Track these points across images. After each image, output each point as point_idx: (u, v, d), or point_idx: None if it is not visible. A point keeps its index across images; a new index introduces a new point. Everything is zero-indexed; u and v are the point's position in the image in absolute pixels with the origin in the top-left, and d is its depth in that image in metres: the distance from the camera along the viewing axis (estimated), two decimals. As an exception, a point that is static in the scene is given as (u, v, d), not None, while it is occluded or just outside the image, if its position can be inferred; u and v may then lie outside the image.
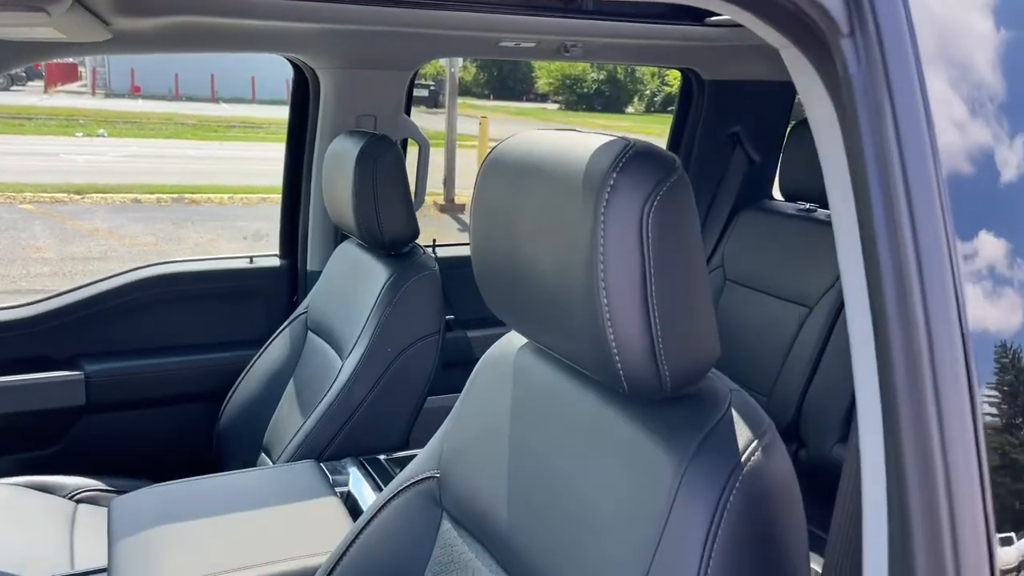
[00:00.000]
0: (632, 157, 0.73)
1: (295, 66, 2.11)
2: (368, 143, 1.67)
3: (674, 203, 0.73)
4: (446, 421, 1.08)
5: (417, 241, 1.76)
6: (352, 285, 1.77)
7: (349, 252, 1.87)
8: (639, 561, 0.74)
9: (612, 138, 0.77)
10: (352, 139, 1.71)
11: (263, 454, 1.83)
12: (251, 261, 2.20)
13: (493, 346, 1.04)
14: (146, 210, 9.29)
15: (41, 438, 1.95)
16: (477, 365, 1.06)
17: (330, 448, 1.58)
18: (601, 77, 27.78)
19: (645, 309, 0.73)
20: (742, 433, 0.75)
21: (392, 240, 1.68)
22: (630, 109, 29.21)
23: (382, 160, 1.65)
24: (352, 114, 2.05)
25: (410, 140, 2.21)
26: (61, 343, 1.98)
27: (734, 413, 0.77)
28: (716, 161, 2.50)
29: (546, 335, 0.86)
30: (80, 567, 1.46)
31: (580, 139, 0.80)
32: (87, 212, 8.97)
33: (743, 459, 0.73)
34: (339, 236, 2.09)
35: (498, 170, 0.87)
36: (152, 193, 9.92)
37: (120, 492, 1.81)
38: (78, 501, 1.79)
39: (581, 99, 28.27)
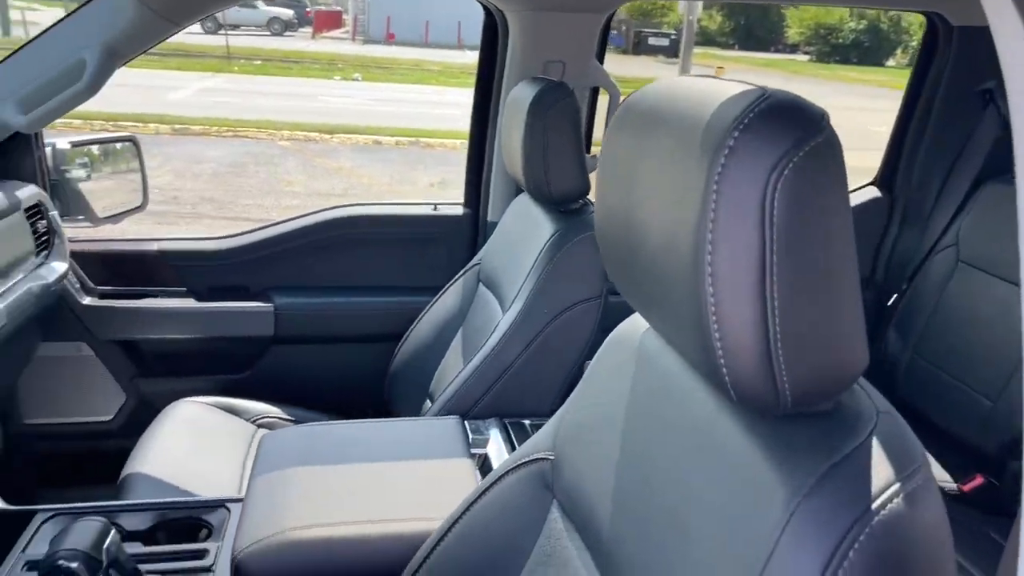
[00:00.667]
0: (763, 112, 0.58)
1: (485, 9, 2.05)
2: (543, 89, 1.57)
3: (814, 172, 0.57)
4: (568, 399, 0.98)
5: (590, 197, 1.66)
6: (520, 239, 1.70)
7: (522, 204, 1.80)
8: None
9: (747, 88, 0.62)
10: (531, 86, 1.63)
11: (428, 401, 1.84)
12: (435, 209, 2.20)
13: (623, 323, 0.93)
14: (385, 151, 9.83)
15: (234, 363, 2.08)
16: (605, 341, 0.95)
17: (478, 406, 1.54)
18: (860, 27, 25.51)
19: (761, 306, 0.58)
20: (882, 470, 0.59)
21: (559, 195, 1.59)
22: (891, 62, 26.64)
23: (555, 108, 1.55)
24: (539, 60, 1.96)
25: (602, 90, 2.08)
26: (256, 275, 2.09)
27: (875, 442, 0.61)
28: (960, 123, 2.14)
29: (656, 319, 0.74)
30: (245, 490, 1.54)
31: (713, 87, 0.65)
32: (334, 151, 9.65)
33: (876, 504, 0.57)
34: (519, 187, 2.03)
35: (625, 122, 0.74)
36: (392, 136, 10.47)
37: (297, 422, 1.90)
38: (259, 426, 1.90)
39: (835, 50, 26.18)
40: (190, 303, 2.06)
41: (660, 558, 0.71)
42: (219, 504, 1.35)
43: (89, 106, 1.81)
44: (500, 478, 1.01)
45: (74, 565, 1.09)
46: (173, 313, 2.04)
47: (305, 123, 10.70)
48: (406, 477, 1.29)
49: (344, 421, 1.49)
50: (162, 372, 2.08)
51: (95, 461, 1.92)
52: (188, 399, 1.87)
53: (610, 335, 0.94)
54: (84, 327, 2.00)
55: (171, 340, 2.05)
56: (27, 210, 1.80)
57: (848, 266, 0.61)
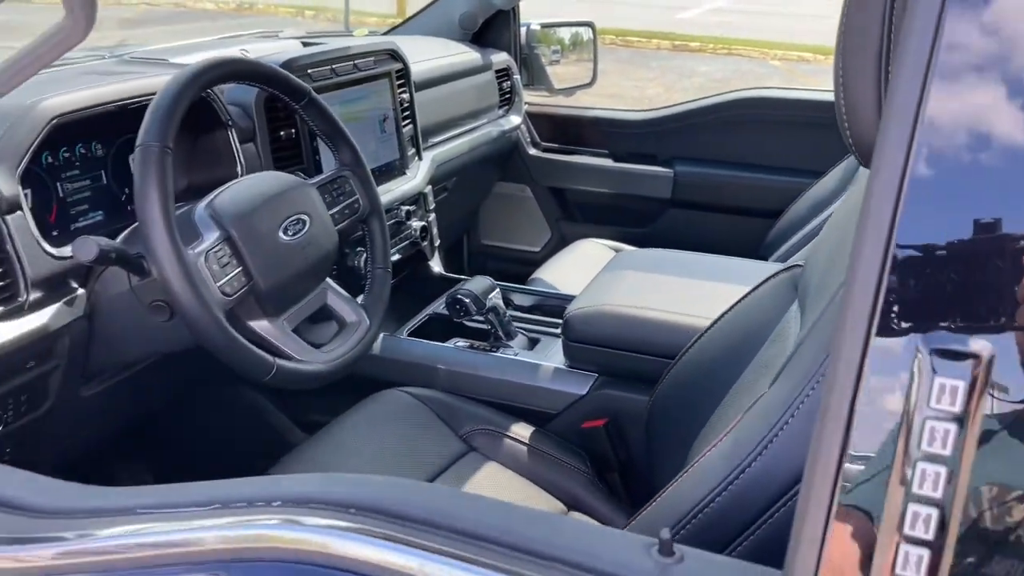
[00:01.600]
0: None
1: None
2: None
3: None
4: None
5: None
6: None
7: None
8: None
9: None
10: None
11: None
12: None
13: None
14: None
15: (636, 218, 2.43)
16: None
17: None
18: None
19: None
20: None
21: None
22: None
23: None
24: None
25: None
26: (664, 145, 2.39)
27: None
28: None
29: None
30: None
31: None
32: (824, 72, 9.37)
33: None
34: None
35: None
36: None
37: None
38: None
39: None
40: (609, 163, 2.45)
41: None
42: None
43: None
44: (763, 282, 1.19)
45: (467, 300, 1.55)
46: (596, 169, 2.46)
47: (800, 44, 10.49)
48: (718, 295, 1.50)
49: (695, 253, 1.73)
50: (580, 218, 2.53)
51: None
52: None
53: None
54: (529, 173, 2.52)
55: (591, 192, 2.48)
56: (497, 72, 2.33)
57: None
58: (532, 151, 2.51)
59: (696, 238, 2.30)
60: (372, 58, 1.71)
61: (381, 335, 1.60)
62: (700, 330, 1.25)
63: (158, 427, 1.73)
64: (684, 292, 1.50)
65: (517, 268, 2.62)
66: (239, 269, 1.09)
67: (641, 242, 2.34)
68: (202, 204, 1.13)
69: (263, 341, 1.13)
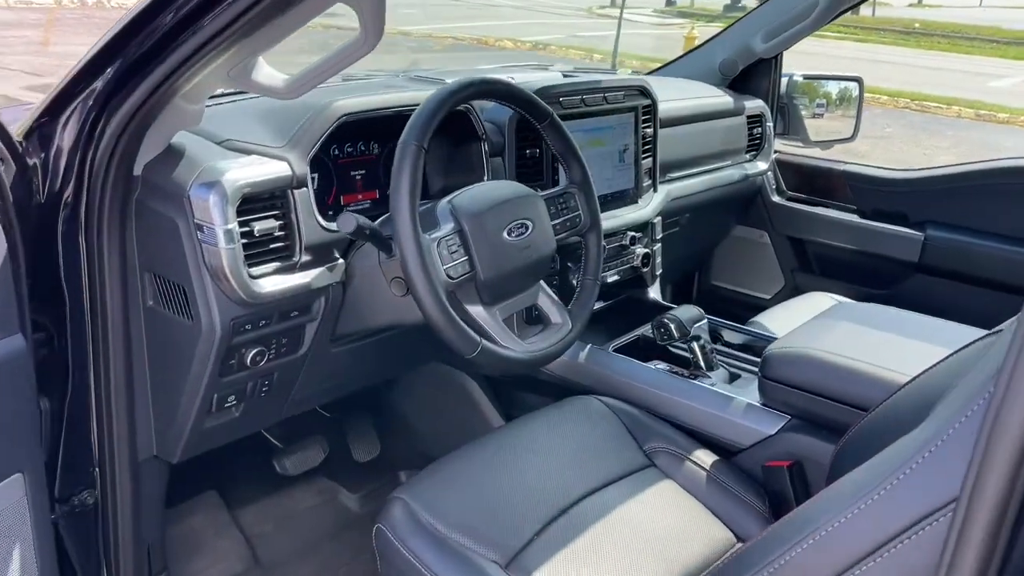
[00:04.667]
0: None
1: None
2: None
3: None
4: None
5: None
6: None
7: None
8: None
9: None
10: None
11: None
12: None
13: None
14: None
15: (877, 279, 2.35)
16: None
17: None
18: None
19: None
20: None
21: None
22: None
23: None
24: None
25: None
26: (916, 206, 2.29)
27: None
28: None
29: None
30: None
31: None
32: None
33: None
34: None
35: None
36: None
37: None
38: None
39: None
40: (855, 218, 2.39)
41: None
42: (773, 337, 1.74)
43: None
44: (969, 344, 1.16)
45: (671, 325, 1.63)
46: (840, 223, 2.41)
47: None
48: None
49: (916, 314, 1.67)
50: (816, 271, 2.49)
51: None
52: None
53: None
54: (769, 220, 2.52)
55: (832, 246, 2.43)
56: (749, 117, 2.38)
57: None
58: (775, 198, 2.52)
59: (940, 306, 2.18)
60: (622, 92, 1.85)
61: (588, 346, 1.72)
62: (898, 385, 1.24)
63: (389, 392, 1.97)
64: (892, 347, 1.47)
65: (744, 312, 2.62)
66: (465, 258, 1.26)
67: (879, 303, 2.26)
68: (446, 199, 1.32)
69: (474, 323, 1.29)
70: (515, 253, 1.33)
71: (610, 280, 1.87)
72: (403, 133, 1.22)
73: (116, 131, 1.14)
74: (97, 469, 1.32)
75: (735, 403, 1.55)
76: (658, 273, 2.02)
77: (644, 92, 1.92)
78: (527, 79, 1.90)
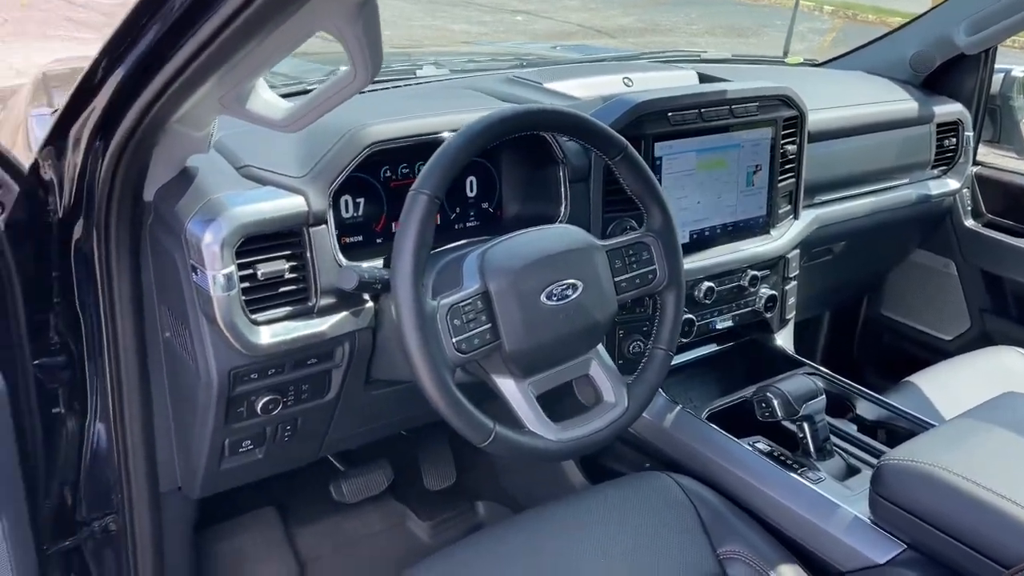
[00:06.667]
0: None
1: None
2: None
3: None
4: None
5: None
6: None
7: None
8: None
9: None
10: None
11: None
12: None
13: None
14: None
15: None
16: None
17: None
18: None
19: None
20: None
21: None
22: None
23: None
24: None
25: None
26: None
27: None
28: None
29: None
30: None
31: None
32: None
33: None
34: None
35: None
36: None
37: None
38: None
39: None
40: None
41: None
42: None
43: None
44: None
45: (776, 403, 1.34)
46: None
47: None
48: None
49: None
50: (1014, 316, 2.02)
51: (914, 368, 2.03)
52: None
53: None
54: (958, 247, 2.08)
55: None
56: (940, 126, 1.94)
57: None
58: (969, 222, 2.06)
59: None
60: (756, 104, 1.53)
61: (678, 407, 1.46)
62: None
63: (431, 436, 1.81)
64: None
65: (917, 352, 2.20)
66: (487, 326, 1.05)
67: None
68: (478, 251, 1.11)
69: (501, 400, 1.09)
70: (556, 320, 1.10)
71: (720, 327, 1.58)
72: (417, 179, 1.02)
73: (115, 155, 1.04)
74: (118, 496, 1.27)
75: (842, 514, 1.24)
76: (789, 317, 1.69)
77: (788, 102, 1.58)
78: (648, 82, 1.63)
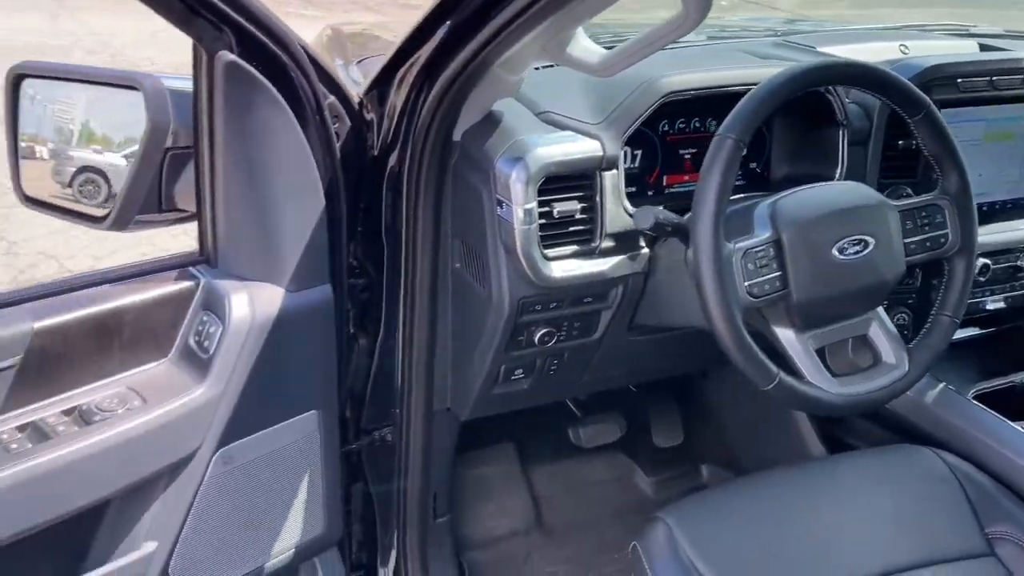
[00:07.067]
0: None
1: None
2: None
3: None
4: None
5: None
6: None
7: None
8: None
9: None
10: None
11: None
12: None
13: None
14: None
15: None
16: None
17: None
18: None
19: None
20: None
21: None
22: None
23: None
24: None
25: None
26: None
27: None
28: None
29: None
30: None
31: None
32: None
33: None
34: None
35: None
36: None
37: None
38: None
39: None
40: None
41: None
42: None
43: None
44: None
45: None
46: None
47: None
48: None
49: None
50: None
51: None
52: None
53: None
54: None
55: None
56: None
57: None
58: None
59: None
60: (1056, 71, 1.44)
61: (940, 385, 1.41)
62: None
63: (702, 380, 1.84)
64: None
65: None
66: (777, 274, 1.08)
67: None
68: (768, 200, 1.13)
69: (780, 350, 1.11)
70: (844, 274, 1.10)
71: (990, 307, 1.51)
72: (723, 124, 1.06)
73: (437, 97, 1.14)
74: (397, 410, 1.40)
75: None
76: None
77: (1094, 70, 1.47)
78: (926, 50, 1.57)
